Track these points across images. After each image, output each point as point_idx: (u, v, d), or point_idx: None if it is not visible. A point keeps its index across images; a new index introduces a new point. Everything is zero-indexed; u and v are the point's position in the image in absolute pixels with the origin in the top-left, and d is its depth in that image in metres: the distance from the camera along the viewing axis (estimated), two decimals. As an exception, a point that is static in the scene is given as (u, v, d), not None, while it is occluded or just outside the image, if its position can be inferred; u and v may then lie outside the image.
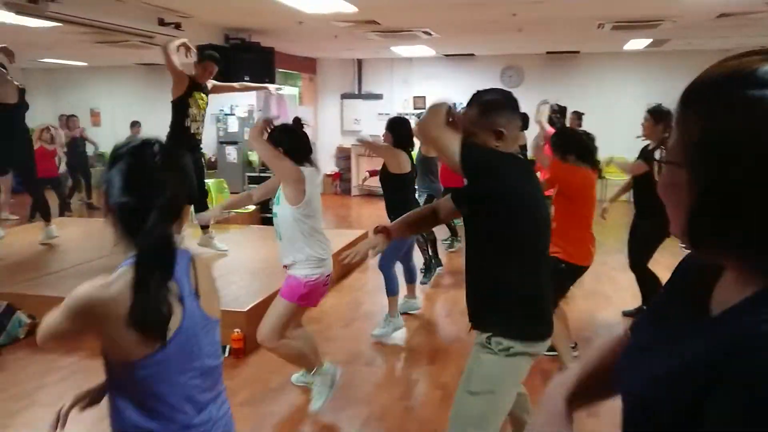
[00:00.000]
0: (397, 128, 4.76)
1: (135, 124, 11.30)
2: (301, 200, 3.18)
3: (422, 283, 5.93)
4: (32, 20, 6.02)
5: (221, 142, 11.99)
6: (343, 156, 12.80)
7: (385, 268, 4.79)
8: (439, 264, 6.46)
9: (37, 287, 5.09)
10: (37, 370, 4.18)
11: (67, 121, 10.68)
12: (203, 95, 5.64)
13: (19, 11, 5.24)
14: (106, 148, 12.55)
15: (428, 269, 6.18)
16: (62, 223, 7.47)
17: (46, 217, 6.47)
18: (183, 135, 5.46)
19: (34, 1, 5.09)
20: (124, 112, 12.92)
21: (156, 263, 1.36)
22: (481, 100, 2.19)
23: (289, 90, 11.74)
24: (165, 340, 1.38)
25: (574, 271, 3.88)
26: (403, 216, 2.56)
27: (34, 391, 3.85)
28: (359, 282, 6.29)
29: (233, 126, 12.13)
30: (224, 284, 3.94)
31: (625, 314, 5.06)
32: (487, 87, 2.27)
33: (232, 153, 11.98)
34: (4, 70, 5.69)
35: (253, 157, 11.14)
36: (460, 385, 2.25)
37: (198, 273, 1.53)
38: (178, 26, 7.00)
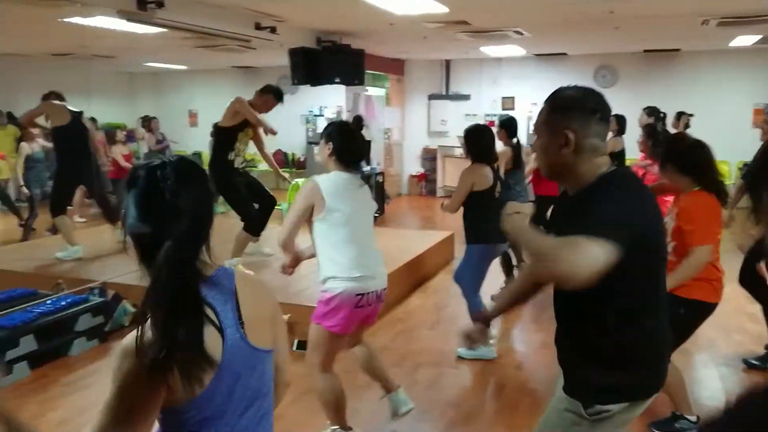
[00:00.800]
0: (476, 139, 4.26)
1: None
2: (321, 210, 2.84)
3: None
4: (140, 26, 6.40)
5: (310, 143, 12.27)
6: (429, 157, 12.80)
7: (468, 293, 4.36)
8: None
9: (140, 278, 5.37)
10: (140, 357, 4.42)
11: (149, 123, 11.01)
12: (250, 131, 5.61)
13: (130, 18, 5.58)
14: (203, 147, 13.18)
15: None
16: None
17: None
18: (225, 166, 5.46)
19: (144, 9, 5.40)
20: (220, 113, 13.46)
21: (164, 295, 1.21)
22: (552, 97, 1.83)
23: (376, 91, 11.87)
24: (163, 375, 1.20)
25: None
26: (503, 296, 2.36)
27: (137, 376, 4.08)
28: (444, 284, 6.26)
29: (322, 127, 12.38)
30: (295, 279, 3.91)
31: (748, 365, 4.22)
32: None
33: (319, 146, 12.24)
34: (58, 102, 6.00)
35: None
36: None
37: (242, 298, 1.35)
38: (273, 30, 7.24)
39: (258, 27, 7.10)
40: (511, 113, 11.72)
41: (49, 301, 4.64)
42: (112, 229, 6.48)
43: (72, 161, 6.05)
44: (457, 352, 4.42)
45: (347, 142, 2.96)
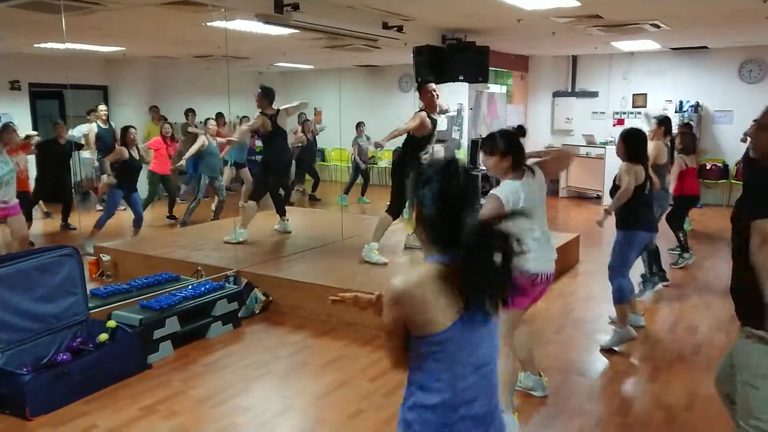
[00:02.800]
0: (632, 140, 4.54)
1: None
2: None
3: (636, 296, 5.49)
4: (275, 28, 6.70)
5: (431, 141, 12.30)
6: (552, 156, 12.40)
7: (614, 277, 4.55)
8: (663, 279, 5.95)
9: (270, 269, 5.67)
10: (272, 344, 4.66)
11: (303, 123, 11.67)
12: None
13: (268, 21, 5.86)
14: (326, 144, 13.62)
15: (646, 282, 5.73)
16: (287, 212, 8.15)
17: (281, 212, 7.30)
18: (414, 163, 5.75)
19: (281, 12, 5.65)
20: (344, 111, 13.87)
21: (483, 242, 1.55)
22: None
23: (498, 88, 11.68)
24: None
25: None
26: None
27: (269, 361, 4.30)
28: (570, 287, 6.06)
29: (442, 124, 12.37)
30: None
31: None
32: (721, 83, 1.85)
33: (440, 151, 12.23)
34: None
35: (460, 155, 11.25)
36: (737, 380, 2.28)
37: None
38: (400, 29, 7.32)
39: (385, 26, 7.20)
40: (643, 111, 11.14)
41: (190, 287, 4.99)
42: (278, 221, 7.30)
43: (277, 160, 6.97)
44: (600, 345, 4.54)
45: (516, 148, 3.29)
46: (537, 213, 3.31)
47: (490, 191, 3.22)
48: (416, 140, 5.78)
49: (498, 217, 1.58)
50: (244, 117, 10.59)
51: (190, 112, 10.52)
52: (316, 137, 11.91)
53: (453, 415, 1.59)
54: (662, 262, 5.96)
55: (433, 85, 5.86)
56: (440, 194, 1.61)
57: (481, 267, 1.53)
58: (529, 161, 3.38)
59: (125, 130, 7.33)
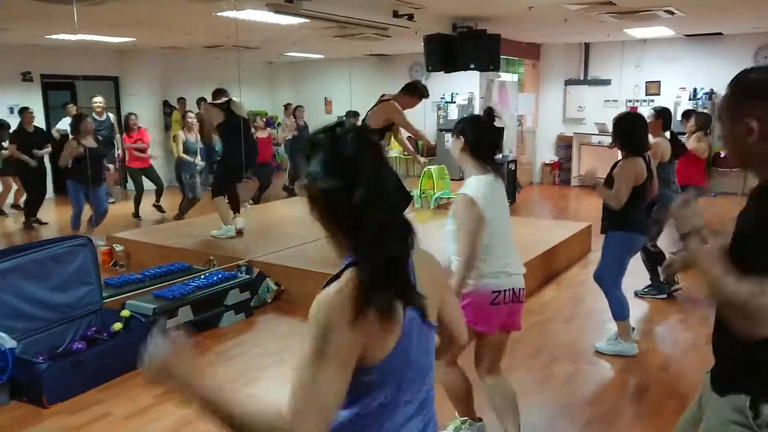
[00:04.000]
0: (627, 128, 4.01)
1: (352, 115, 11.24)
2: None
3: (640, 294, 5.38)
4: (285, 18, 6.69)
5: (440, 130, 12.25)
6: (564, 145, 12.34)
7: (609, 287, 4.15)
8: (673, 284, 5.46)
9: (282, 259, 5.69)
10: (282, 332, 4.69)
11: (294, 110, 11.47)
12: (396, 129, 5.65)
13: (278, 10, 5.86)
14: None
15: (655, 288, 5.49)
16: (297, 201, 8.16)
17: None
18: None
19: (291, 1, 5.65)
20: (354, 100, 13.83)
21: (385, 238, 1.24)
22: (737, 79, 1.63)
23: (509, 77, 11.61)
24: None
25: None
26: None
27: (280, 350, 4.33)
28: (580, 277, 6.04)
29: (453, 113, 12.33)
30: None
31: None
32: (736, 70, 1.67)
33: (450, 140, 12.21)
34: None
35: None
36: None
37: (418, 272, 1.35)
38: (410, 17, 7.28)
39: (396, 15, 7.17)
40: (656, 99, 11.04)
41: (203, 276, 5.02)
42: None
43: (235, 152, 6.62)
44: (594, 347, 4.28)
45: (481, 136, 2.84)
46: (501, 218, 2.85)
47: (459, 190, 2.81)
48: (377, 133, 5.30)
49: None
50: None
51: (202, 101, 10.49)
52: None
53: None
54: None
55: (419, 101, 5.53)
56: (330, 160, 1.27)
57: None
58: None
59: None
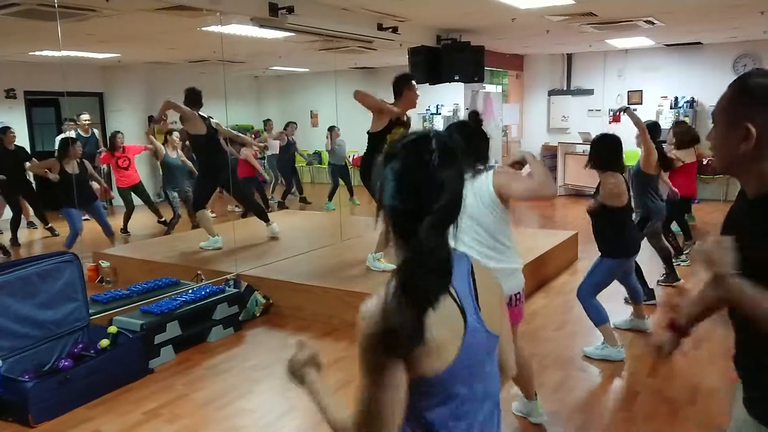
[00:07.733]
0: (602, 148, 4.16)
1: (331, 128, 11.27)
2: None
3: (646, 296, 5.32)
4: (269, 32, 6.72)
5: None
6: (549, 154, 12.42)
7: (586, 296, 4.31)
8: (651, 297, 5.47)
9: (270, 271, 5.67)
10: (273, 346, 4.67)
11: (286, 127, 11.49)
12: (400, 130, 5.36)
13: (263, 24, 5.88)
14: (322, 147, 13.60)
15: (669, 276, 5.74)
16: (285, 214, 8.18)
17: (264, 219, 7.10)
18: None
19: (276, 15, 5.67)
20: (340, 113, 13.87)
21: (425, 268, 1.16)
22: (735, 83, 1.55)
23: (493, 88, 11.71)
24: (407, 354, 1.18)
25: None
26: (689, 306, 1.97)
27: (271, 363, 4.30)
28: (569, 285, 6.06)
29: (439, 125, 12.41)
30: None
31: None
32: (716, 78, 1.58)
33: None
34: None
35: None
36: None
37: (479, 283, 1.33)
38: (395, 30, 7.34)
39: (380, 27, 7.22)
40: (638, 107, 11.17)
41: (191, 291, 4.99)
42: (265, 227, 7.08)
43: (211, 165, 6.67)
44: (583, 351, 4.34)
45: (468, 142, 2.77)
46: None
47: None
48: (378, 137, 5.34)
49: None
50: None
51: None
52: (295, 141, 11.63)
53: None
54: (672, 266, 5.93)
55: (415, 93, 5.41)
56: (404, 178, 1.20)
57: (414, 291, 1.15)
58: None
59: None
